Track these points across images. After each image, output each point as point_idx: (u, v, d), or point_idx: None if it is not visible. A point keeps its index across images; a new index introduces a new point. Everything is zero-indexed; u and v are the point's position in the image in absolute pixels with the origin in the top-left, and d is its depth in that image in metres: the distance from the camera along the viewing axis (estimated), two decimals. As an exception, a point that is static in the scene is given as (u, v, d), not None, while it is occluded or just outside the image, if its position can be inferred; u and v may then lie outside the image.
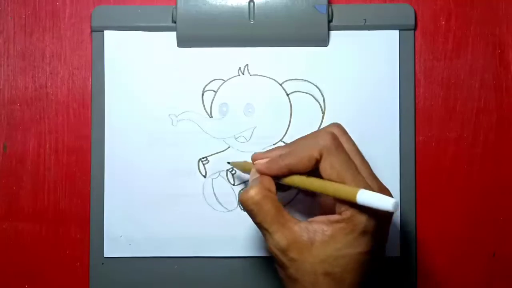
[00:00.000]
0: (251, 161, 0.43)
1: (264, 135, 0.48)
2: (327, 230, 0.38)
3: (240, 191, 0.48)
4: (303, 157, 0.39)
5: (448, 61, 0.50)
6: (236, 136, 0.48)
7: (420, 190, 0.49)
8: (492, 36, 0.50)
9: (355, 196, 0.35)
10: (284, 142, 0.48)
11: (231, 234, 0.48)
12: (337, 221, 0.37)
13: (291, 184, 0.40)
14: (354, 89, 0.48)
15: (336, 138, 0.39)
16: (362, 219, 0.37)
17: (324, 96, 0.48)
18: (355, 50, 0.49)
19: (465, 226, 0.49)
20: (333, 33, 0.48)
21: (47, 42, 0.50)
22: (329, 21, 0.48)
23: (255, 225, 0.40)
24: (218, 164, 0.48)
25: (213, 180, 0.48)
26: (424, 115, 0.49)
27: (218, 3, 0.48)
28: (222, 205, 0.48)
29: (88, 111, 0.49)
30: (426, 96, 0.49)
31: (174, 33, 0.48)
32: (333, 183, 0.38)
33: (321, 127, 0.48)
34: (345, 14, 0.48)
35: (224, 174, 0.48)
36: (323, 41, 0.48)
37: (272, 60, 0.49)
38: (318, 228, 0.38)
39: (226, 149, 0.48)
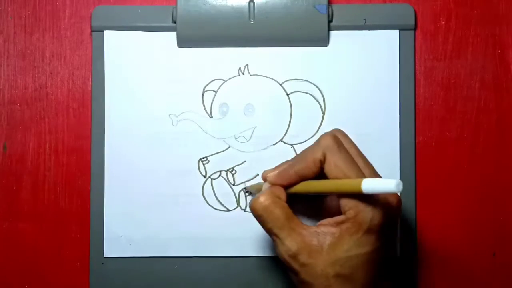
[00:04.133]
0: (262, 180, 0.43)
1: (264, 135, 0.48)
2: (335, 232, 0.38)
3: (242, 191, 0.48)
4: (308, 161, 0.39)
5: (448, 61, 0.50)
6: (236, 136, 0.48)
7: (420, 190, 0.49)
8: (492, 36, 0.50)
9: (360, 187, 0.35)
10: (284, 142, 0.48)
11: (231, 234, 0.48)
12: (343, 222, 0.38)
13: (301, 192, 0.41)
14: (354, 89, 0.48)
15: (337, 138, 0.40)
16: (366, 218, 0.37)
17: (324, 96, 0.48)
18: (355, 50, 0.49)
19: (465, 226, 0.49)
20: (333, 33, 0.48)
21: (47, 42, 0.50)
22: (329, 21, 0.48)
23: (265, 231, 0.40)
24: (218, 164, 0.48)
25: (213, 180, 0.48)
26: (424, 115, 0.49)
27: (218, 3, 0.48)
28: (222, 205, 0.48)
29: (88, 111, 0.49)
30: (426, 96, 0.49)
31: (174, 33, 0.48)
32: (338, 180, 0.38)
33: (321, 127, 0.48)
34: (345, 14, 0.48)
35: (224, 174, 0.48)
36: (323, 41, 0.48)
37: (272, 60, 0.49)
38: (326, 231, 0.38)
39: (226, 149, 0.48)
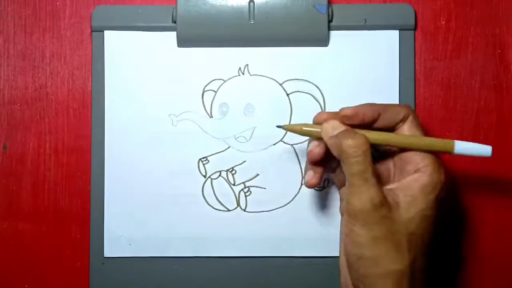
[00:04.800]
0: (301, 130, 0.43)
1: (264, 135, 0.48)
2: (413, 191, 0.39)
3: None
4: (393, 108, 0.41)
5: (448, 61, 0.50)
6: (236, 136, 0.48)
7: (420, 190, 0.49)
8: (492, 36, 0.50)
9: (452, 146, 0.39)
10: (284, 142, 0.48)
11: (231, 234, 0.48)
12: (417, 180, 0.39)
13: (379, 142, 0.40)
14: (354, 89, 0.48)
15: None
16: (440, 177, 0.39)
17: (324, 96, 0.48)
18: (355, 50, 0.49)
19: (465, 225, 0.49)
20: (333, 33, 0.48)
21: (47, 42, 0.50)
22: (329, 21, 0.48)
23: (347, 177, 0.39)
24: (218, 164, 0.48)
25: (213, 180, 0.48)
26: (424, 115, 0.49)
27: (218, 3, 0.48)
28: (222, 205, 0.48)
29: (88, 111, 0.49)
30: (426, 96, 0.49)
31: (174, 33, 0.48)
32: (427, 137, 0.40)
33: (321, 127, 0.48)
34: (345, 14, 0.48)
35: (224, 174, 0.48)
36: (323, 41, 0.48)
37: (272, 60, 0.49)
38: (397, 191, 0.39)
39: (226, 149, 0.48)
